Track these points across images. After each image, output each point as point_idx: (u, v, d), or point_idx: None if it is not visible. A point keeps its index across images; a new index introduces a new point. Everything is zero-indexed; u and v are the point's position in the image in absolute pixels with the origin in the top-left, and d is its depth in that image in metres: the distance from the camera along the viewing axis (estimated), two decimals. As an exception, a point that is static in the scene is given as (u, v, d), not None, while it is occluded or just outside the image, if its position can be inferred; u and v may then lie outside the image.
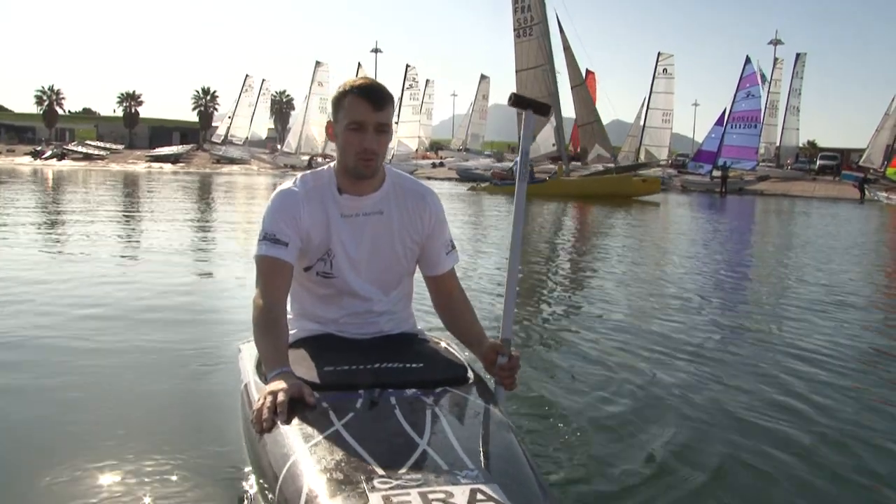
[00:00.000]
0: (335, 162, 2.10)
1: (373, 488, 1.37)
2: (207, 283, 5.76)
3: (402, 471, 1.43)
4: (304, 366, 1.91)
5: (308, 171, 2.16)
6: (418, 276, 2.27)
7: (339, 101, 1.99)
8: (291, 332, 2.13)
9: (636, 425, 2.78)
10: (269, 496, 1.57)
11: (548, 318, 5.04)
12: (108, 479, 2.10)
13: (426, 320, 2.69)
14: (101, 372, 3.16)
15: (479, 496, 1.35)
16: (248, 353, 2.23)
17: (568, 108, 32.20)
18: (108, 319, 4.15)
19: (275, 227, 2.01)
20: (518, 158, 2.17)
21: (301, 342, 2.10)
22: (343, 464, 1.46)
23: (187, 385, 2.88)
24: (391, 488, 1.37)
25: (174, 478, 2.11)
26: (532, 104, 2.15)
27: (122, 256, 7.18)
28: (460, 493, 1.35)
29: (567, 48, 29.81)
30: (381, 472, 1.42)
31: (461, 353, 2.21)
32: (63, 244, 8.02)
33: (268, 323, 1.94)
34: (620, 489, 2.24)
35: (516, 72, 28.62)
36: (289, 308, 2.17)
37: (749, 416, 2.99)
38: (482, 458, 1.52)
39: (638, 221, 15.99)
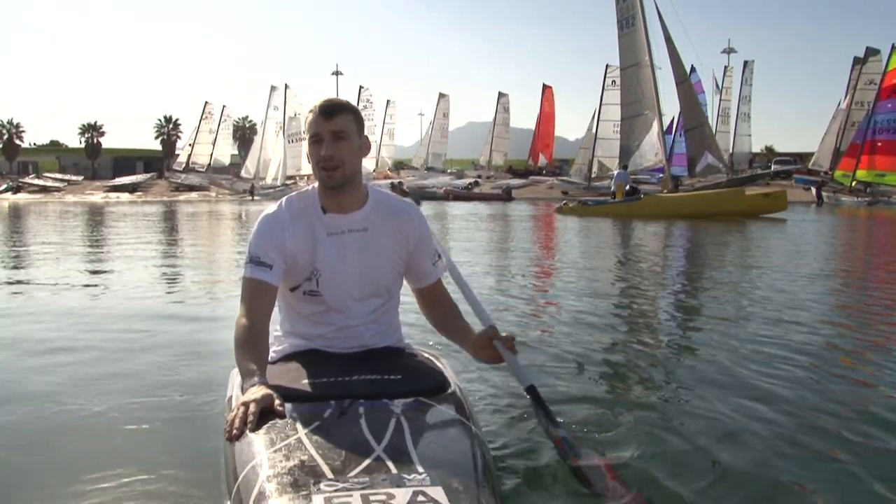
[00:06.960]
0: (317, 182, 2.17)
1: (318, 490, 1.42)
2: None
3: (351, 475, 1.48)
4: (283, 379, 1.97)
5: (293, 193, 2.23)
6: (405, 289, 2.35)
7: (306, 124, 2.13)
8: (279, 348, 2.23)
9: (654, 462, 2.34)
10: (229, 500, 1.64)
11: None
12: (90, 496, 2.12)
13: (413, 334, 2.72)
14: (88, 397, 3.16)
15: (420, 498, 1.40)
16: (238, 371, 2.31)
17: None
18: (92, 349, 4.11)
19: (259, 250, 2.10)
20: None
21: (287, 357, 2.19)
22: (296, 469, 1.52)
23: (178, 404, 2.96)
24: (336, 490, 1.42)
25: (154, 489, 2.16)
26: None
27: (93, 285, 7.10)
28: (402, 495, 1.40)
29: (669, 40, 25.98)
30: (330, 475, 1.48)
31: (445, 366, 2.25)
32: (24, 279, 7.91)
33: (248, 340, 2.01)
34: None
35: (621, 70, 26.69)
36: (277, 327, 2.28)
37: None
38: (435, 464, 1.55)
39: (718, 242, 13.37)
